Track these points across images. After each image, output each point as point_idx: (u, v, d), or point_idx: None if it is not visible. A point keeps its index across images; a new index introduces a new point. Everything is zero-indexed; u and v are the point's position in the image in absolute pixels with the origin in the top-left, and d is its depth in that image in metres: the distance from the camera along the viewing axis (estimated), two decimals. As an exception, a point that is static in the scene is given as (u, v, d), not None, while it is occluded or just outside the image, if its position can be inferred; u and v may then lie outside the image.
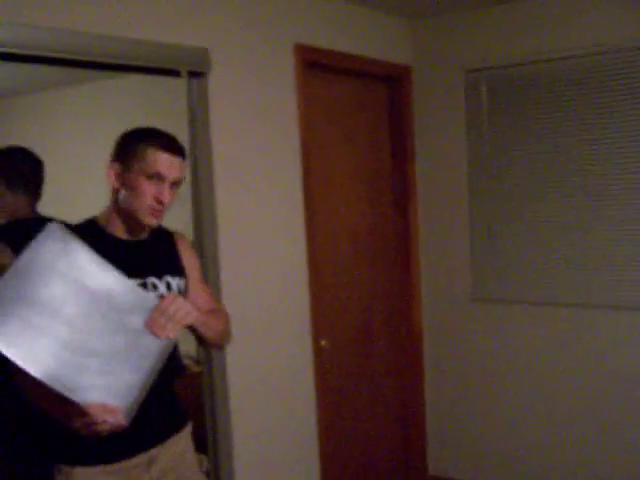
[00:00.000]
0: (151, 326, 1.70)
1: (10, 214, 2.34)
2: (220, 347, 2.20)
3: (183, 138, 2.56)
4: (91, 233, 1.81)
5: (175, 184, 1.86)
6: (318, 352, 3.20)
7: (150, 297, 1.75)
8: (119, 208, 1.85)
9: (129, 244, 1.89)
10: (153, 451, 1.90)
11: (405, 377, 3.90)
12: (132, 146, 1.82)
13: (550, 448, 3.56)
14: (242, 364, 2.82)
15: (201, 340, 1.95)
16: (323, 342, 3.25)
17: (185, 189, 2.57)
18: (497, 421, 3.73)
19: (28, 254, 1.62)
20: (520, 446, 3.66)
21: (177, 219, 2.78)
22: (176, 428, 1.99)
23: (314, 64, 3.17)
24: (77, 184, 2.68)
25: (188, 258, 2.05)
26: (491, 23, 3.56)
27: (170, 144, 1.85)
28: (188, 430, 2.06)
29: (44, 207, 2.38)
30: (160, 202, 1.81)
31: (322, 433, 3.21)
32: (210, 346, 2.10)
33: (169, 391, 1.98)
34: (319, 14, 3.20)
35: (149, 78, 2.55)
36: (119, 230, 1.88)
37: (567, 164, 3.39)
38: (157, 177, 1.80)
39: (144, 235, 1.92)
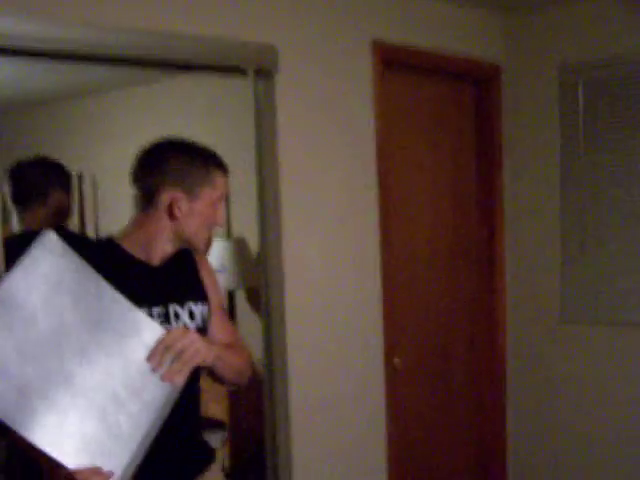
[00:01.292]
0: (154, 365, 1.45)
1: (26, 226, 2.22)
2: (237, 386, 1.89)
3: (248, 142, 2.42)
4: (107, 253, 1.64)
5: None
6: (390, 372, 2.97)
7: (155, 327, 1.49)
8: (170, 235, 1.69)
9: (149, 267, 1.69)
10: None
11: (485, 404, 3.61)
12: (196, 170, 1.67)
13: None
14: (307, 384, 2.63)
15: (215, 376, 1.72)
16: (396, 361, 3.03)
17: (251, 197, 2.42)
18: (586, 457, 3.40)
19: (16, 275, 1.38)
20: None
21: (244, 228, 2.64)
22: (201, 467, 1.77)
23: (393, 62, 2.95)
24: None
25: (208, 280, 1.84)
26: (588, 18, 3.23)
27: (223, 162, 1.74)
28: (215, 470, 1.83)
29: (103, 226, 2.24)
30: (218, 225, 1.75)
31: (392, 461, 2.98)
32: (226, 384, 1.83)
33: (190, 423, 1.76)
34: (399, 8, 2.96)
35: (213, 78, 2.41)
36: (140, 252, 1.69)
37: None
38: (219, 202, 1.72)
39: (165, 258, 1.73)
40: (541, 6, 3.33)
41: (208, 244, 1.78)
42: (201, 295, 1.78)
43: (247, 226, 2.58)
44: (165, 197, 1.65)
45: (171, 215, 1.66)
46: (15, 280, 1.39)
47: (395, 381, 3.02)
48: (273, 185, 2.49)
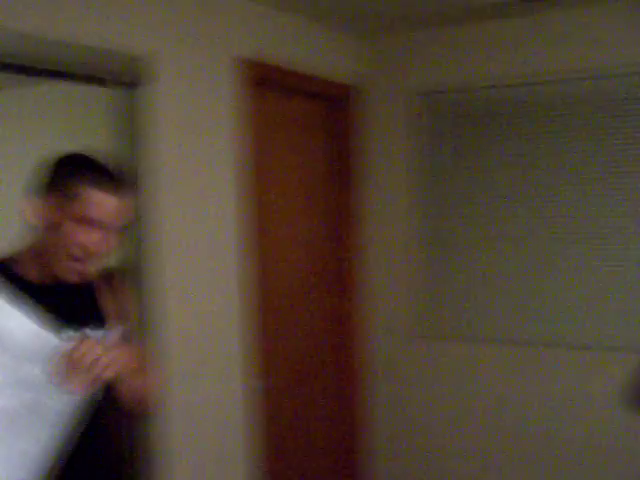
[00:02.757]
0: (57, 377, 1.33)
1: None
2: (139, 414, 1.75)
3: (112, 153, 2.33)
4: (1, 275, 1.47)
5: (114, 229, 1.52)
6: (252, 394, 2.94)
7: (56, 340, 1.39)
8: (36, 249, 1.52)
9: (44, 289, 1.52)
10: None
11: (345, 419, 3.65)
12: (62, 180, 1.49)
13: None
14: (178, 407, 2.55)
15: (115, 403, 1.58)
16: (258, 383, 2.99)
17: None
18: (445, 463, 3.52)
19: None
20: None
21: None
22: None
23: (256, 79, 2.95)
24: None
25: (120, 302, 1.69)
26: (439, 47, 3.42)
27: (110, 183, 1.50)
28: None
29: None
30: (93, 253, 1.49)
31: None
32: (126, 412, 1.66)
33: (98, 456, 1.59)
34: (265, 26, 2.98)
35: (76, 87, 2.29)
36: (33, 273, 1.53)
37: (518, 197, 3.27)
38: (96, 224, 1.48)
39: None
40: (395, 31, 3.47)
41: (73, 273, 1.51)
42: (104, 321, 1.62)
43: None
44: (33, 206, 1.50)
45: (37, 226, 1.51)
46: None
47: (256, 403, 2.98)
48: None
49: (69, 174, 1.50)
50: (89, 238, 1.48)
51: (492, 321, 3.36)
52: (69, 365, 1.35)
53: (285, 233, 3.28)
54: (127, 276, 2.21)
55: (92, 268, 1.55)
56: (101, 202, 1.48)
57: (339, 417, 3.64)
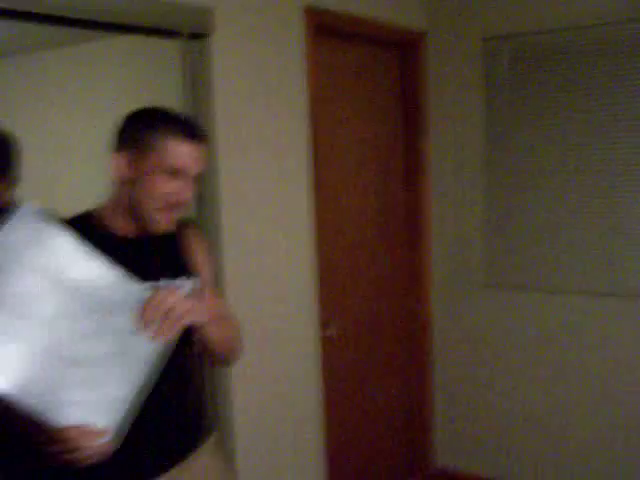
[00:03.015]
0: (143, 324, 1.39)
1: None
2: (226, 362, 1.82)
3: (179, 106, 2.33)
4: (86, 229, 1.49)
5: (194, 177, 1.57)
6: (324, 341, 2.97)
7: (142, 289, 1.44)
8: (125, 203, 1.56)
9: (131, 242, 1.59)
10: (170, 474, 1.60)
11: (412, 366, 3.68)
12: (146, 133, 1.53)
13: (563, 443, 3.37)
14: (245, 356, 2.59)
15: (204, 351, 1.65)
16: (329, 331, 3.03)
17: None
18: (507, 413, 3.52)
19: None
20: (531, 440, 3.46)
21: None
22: (194, 444, 1.69)
23: (323, 28, 2.90)
24: (61, 162, 2.41)
25: (199, 260, 1.74)
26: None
27: (193, 132, 1.55)
28: (211, 443, 1.76)
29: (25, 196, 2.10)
30: (178, 202, 1.54)
31: (328, 423, 3.00)
32: (214, 359, 1.75)
33: (182, 401, 1.67)
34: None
35: (145, 40, 2.29)
36: (121, 227, 1.58)
37: (595, 142, 3.15)
38: (177, 173, 1.52)
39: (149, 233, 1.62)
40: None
41: (164, 223, 1.55)
42: (185, 270, 1.67)
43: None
44: (113, 161, 1.55)
45: (121, 180, 1.56)
46: None
47: (329, 349, 3.02)
48: (208, 150, 2.42)
49: (150, 127, 1.54)
50: (175, 187, 1.53)
51: (562, 271, 3.29)
52: (150, 312, 1.39)
53: (353, 182, 3.27)
54: (200, 228, 2.25)
55: (177, 217, 1.59)
56: (184, 151, 1.53)
57: (407, 365, 3.67)
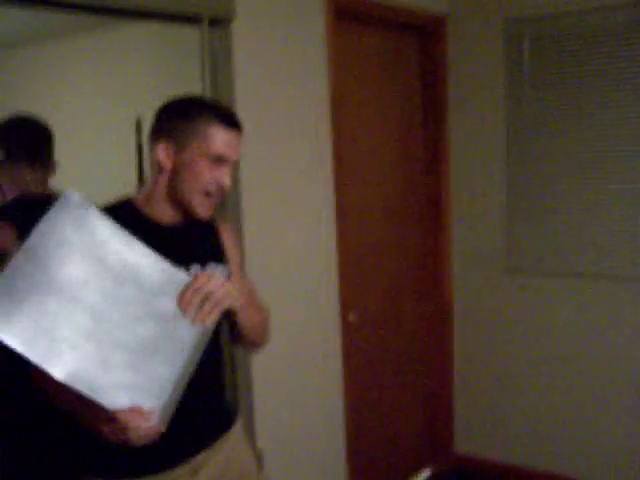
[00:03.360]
0: (184, 308, 1.44)
1: (18, 191, 2.09)
2: (257, 346, 1.86)
3: (200, 93, 2.33)
4: (126, 216, 1.53)
5: (234, 164, 1.62)
6: (346, 326, 2.98)
7: (182, 274, 1.49)
8: (167, 192, 1.59)
9: (169, 230, 1.62)
10: (198, 458, 1.65)
11: (433, 352, 3.68)
12: (188, 121, 1.55)
13: (582, 429, 3.36)
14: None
15: (236, 336, 1.70)
16: (351, 316, 3.03)
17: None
18: (528, 399, 3.52)
19: (40, 230, 1.36)
20: (550, 426, 3.45)
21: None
22: (223, 428, 1.74)
23: (344, 13, 2.88)
24: (82, 150, 2.42)
25: (230, 248, 1.78)
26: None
27: (233, 120, 1.59)
28: (238, 427, 1.80)
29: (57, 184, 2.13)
30: (220, 189, 1.57)
31: (348, 408, 3.01)
32: (246, 343, 1.80)
33: (212, 386, 1.72)
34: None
35: (165, 26, 2.28)
36: (159, 215, 1.61)
37: (619, 126, 3.11)
38: (220, 159, 1.56)
39: (186, 221, 1.66)
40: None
41: (207, 209, 1.60)
42: (223, 259, 1.72)
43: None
44: (156, 150, 1.58)
45: (161, 169, 1.58)
46: (42, 234, 1.36)
47: (350, 333, 3.03)
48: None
49: (190, 115, 1.57)
50: (217, 174, 1.56)
51: (583, 256, 3.26)
52: (191, 297, 1.45)
53: (374, 169, 3.26)
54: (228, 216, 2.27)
55: (217, 204, 1.63)
56: (225, 138, 1.56)
57: (428, 351, 3.67)
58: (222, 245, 1.76)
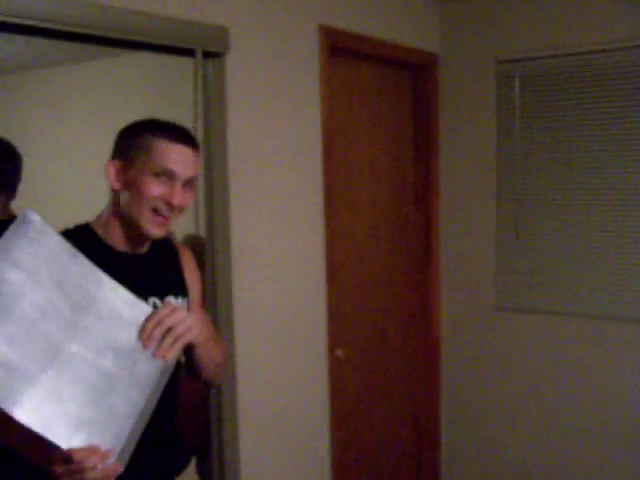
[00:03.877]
0: (145, 341, 1.37)
1: None
2: (213, 381, 1.79)
3: (192, 124, 2.33)
4: (83, 241, 1.47)
5: (189, 184, 1.55)
6: (333, 362, 2.95)
7: (143, 305, 1.42)
8: (118, 213, 1.55)
9: (128, 257, 1.58)
10: None
11: (420, 387, 3.65)
12: (135, 138, 1.53)
13: (570, 463, 3.32)
14: (254, 372, 2.57)
15: (192, 370, 1.63)
16: (339, 351, 3.00)
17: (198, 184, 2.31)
18: (515, 434, 3.48)
19: None
20: (538, 461, 3.42)
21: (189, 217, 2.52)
22: (178, 469, 1.73)
23: (338, 48, 2.90)
24: (76, 176, 2.40)
25: (191, 276, 1.74)
26: (527, 10, 3.27)
27: (182, 135, 1.55)
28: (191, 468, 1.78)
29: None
30: (169, 205, 1.51)
31: (335, 443, 2.97)
32: (202, 379, 1.72)
33: (171, 424, 1.67)
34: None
35: (159, 58, 2.29)
36: (117, 240, 1.57)
37: (607, 165, 3.13)
38: (167, 175, 1.51)
39: (145, 247, 1.62)
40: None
41: (156, 227, 1.53)
42: (183, 290, 1.68)
43: (192, 216, 2.46)
44: (105, 170, 1.55)
45: (113, 189, 1.55)
46: None
47: (338, 369, 3.00)
48: (221, 171, 2.41)
49: (139, 133, 1.54)
50: (167, 190, 1.51)
51: (574, 295, 3.26)
52: (152, 330, 1.39)
53: (364, 202, 3.25)
54: (196, 246, 2.24)
55: (169, 223, 1.57)
56: (171, 153, 1.51)
57: (416, 386, 3.64)
58: (182, 271, 1.71)
